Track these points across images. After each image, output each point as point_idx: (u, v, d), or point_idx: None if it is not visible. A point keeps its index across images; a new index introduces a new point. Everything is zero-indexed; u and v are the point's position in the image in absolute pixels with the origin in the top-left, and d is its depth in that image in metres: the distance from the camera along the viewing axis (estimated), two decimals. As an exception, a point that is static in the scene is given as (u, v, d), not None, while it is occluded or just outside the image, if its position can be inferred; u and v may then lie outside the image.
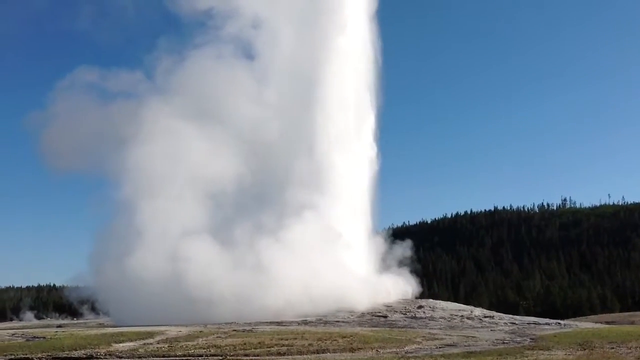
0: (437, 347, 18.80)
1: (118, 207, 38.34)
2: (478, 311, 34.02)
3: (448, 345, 19.47)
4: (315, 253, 33.76)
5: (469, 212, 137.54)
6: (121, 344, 19.86)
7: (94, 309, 55.67)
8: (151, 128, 38.07)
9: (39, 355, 17.79)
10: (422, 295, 39.58)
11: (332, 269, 33.22)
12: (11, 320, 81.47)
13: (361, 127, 40.98)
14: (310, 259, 33.35)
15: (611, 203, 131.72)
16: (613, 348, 17.64)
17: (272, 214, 36.19)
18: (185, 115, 38.37)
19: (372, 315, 31.45)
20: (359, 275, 34.89)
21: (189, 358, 17.05)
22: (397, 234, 46.95)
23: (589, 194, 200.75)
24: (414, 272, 39.20)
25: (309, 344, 18.80)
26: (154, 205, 35.73)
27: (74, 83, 43.23)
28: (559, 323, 30.25)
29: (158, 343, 20.01)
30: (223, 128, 38.21)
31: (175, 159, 37.51)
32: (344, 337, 20.52)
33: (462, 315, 31.37)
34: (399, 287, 37.16)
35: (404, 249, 40.27)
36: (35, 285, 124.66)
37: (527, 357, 15.82)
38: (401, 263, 38.78)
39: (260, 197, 38.60)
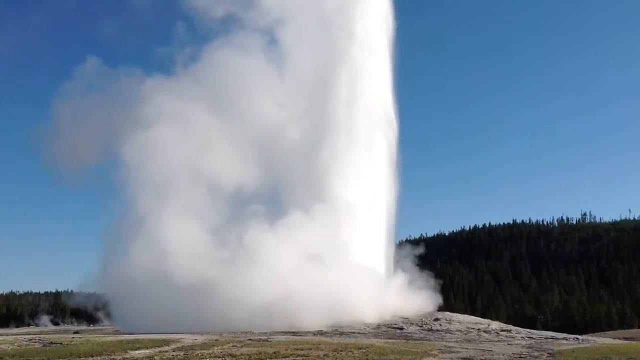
0: (453, 360, 18.72)
1: (123, 208, 38.52)
2: (495, 325, 33.74)
3: (464, 358, 19.36)
4: (318, 257, 33.43)
5: (487, 225, 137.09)
6: (137, 351, 19.93)
7: (109, 315, 56.01)
8: (160, 122, 37.86)
9: (56, 360, 17.90)
10: (438, 308, 39.28)
11: (335, 276, 32.84)
12: (29, 325, 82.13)
13: (377, 139, 40.69)
14: (311, 260, 33.01)
15: (632, 218, 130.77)
16: (632, 365, 17.46)
17: (276, 216, 35.86)
18: (197, 109, 38.31)
19: (388, 327, 31.29)
20: (366, 286, 34.38)
21: (204, 366, 17.09)
22: (414, 246, 46.68)
23: (609, 208, 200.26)
24: (430, 283, 38.86)
25: (325, 355, 18.75)
26: (157, 204, 35.68)
27: (81, 83, 43.14)
28: (577, 338, 29.90)
29: (174, 351, 20.06)
30: (235, 124, 38.04)
31: (183, 156, 37.34)
32: (360, 348, 20.45)
33: (479, 329, 31.14)
34: (414, 300, 36.84)
35: (418, 259, 40.04)
36: (53, 290, 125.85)
37: (544, 372, 15.68)
38: (416, 274, 38.53)
39: (268, 202, 38.28)
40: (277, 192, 39.48)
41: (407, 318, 33.62)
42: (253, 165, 37.14)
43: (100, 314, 64.91)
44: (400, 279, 37.73)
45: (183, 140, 37.91)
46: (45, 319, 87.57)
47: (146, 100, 39.14)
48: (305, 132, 39.35)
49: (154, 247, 34.06)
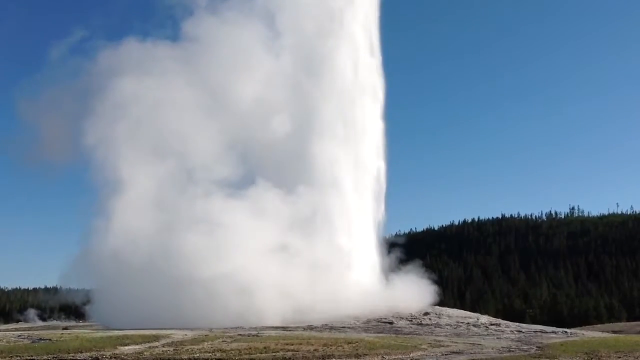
0: (442, 354, 18.76)
1: (89, 199, 38.39)
2: (484, 319, 33.89)
3: (454, 352, 19.41)
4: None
5: (476, 219, 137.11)
6: (126, 347, 19.88)
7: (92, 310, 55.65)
8: (140, 99, 37.56)
9: (44, 357, 17.81)
10: (428, 302, 39.28)
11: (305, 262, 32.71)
12: (17, 321, 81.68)
13: (368, 131, 40.54)
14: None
15: (619, 212, 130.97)
16: (620, 357, 17.56)
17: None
18: (172, 84, 37.96)
19: (378, 322, 31.34)
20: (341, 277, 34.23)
21: (194, 362, 17.04)
22: (403, 240, 46.74)
23: (597, 202, 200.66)
24: (419, 277, 38.75)
25: (315, 350, 18.77)
26: (121, 191, 35.40)
27: (48, 74, 43.11)
28: (566, 332, 30.09)
29: (163, 346, 20.02)
30: (215, 104, 37.68)
31: (162, 139, 37.08)
32: (350, 343, 20.47)
33: (468, 323, 31.26)
34: (404, 294, 36.71)
35: (407, 253, 40.05)
36: (42, 287, 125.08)
37: (533, 365, 15.74)
38: (406, 269, 38.48)
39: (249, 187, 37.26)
40: (256, 177, 38.26)
41: (397, 312, 33.67)
42: (231, 149, 36.81)
43: (88, 309, 64.59)
44: (390, 272, 37.71)
45: (152, 120, 37.38)
46: (33, 315, 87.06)
47: (115, 80, 38.37)
48: (291, 119, 38.78)
49: (118, 237, 33.79)
